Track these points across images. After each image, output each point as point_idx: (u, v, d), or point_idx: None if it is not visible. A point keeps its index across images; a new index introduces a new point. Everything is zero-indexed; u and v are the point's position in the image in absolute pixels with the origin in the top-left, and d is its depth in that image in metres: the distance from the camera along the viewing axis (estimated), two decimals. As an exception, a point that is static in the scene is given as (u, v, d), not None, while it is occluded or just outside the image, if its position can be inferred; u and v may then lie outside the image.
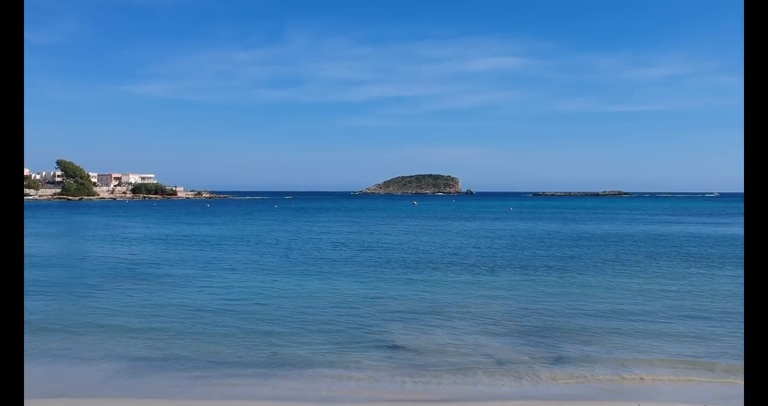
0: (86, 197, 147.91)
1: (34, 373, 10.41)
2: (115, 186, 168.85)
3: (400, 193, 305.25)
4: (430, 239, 39.64)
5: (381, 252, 31.68)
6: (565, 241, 38.27)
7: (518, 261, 27.49)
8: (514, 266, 25.53)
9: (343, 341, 13.13)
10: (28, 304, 16.08)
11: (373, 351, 12.24)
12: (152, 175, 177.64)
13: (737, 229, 48.96)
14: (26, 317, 14.45)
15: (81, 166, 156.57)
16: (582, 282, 21.29)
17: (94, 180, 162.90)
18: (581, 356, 11.91)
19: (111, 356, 11.96)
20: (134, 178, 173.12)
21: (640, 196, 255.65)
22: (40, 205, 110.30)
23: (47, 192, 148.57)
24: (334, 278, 22.59)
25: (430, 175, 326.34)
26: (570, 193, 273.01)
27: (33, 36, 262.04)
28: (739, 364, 10.60)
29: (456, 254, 30.33)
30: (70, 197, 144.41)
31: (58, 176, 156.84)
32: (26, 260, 24.57)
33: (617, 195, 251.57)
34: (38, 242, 37.27)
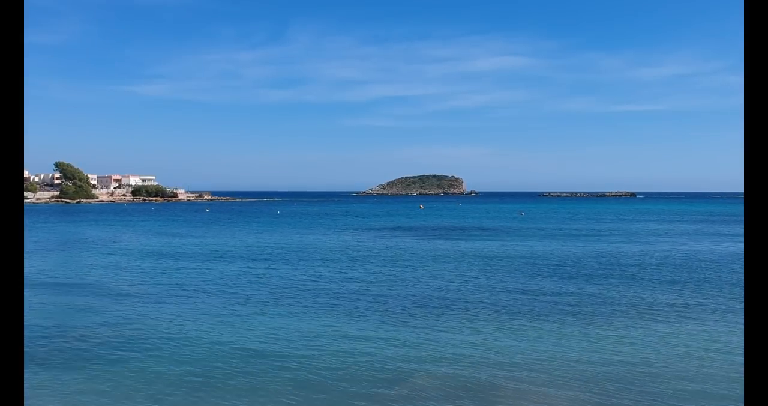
0: (84, 200, 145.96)
1: None
2: (115, 188, 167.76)
3: (403, 193, 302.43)
4: (450, 266, 34.68)
5: (395, 287, 26.91)
6: (607, 269, 33.97)
7: (565, 302, 23.02)
8: (563, 313, 21.23)
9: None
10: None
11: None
12: (153, 177, 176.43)
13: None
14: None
15: (80, 169, 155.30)
16: (657, 340, 16.94)
17: (93, 182, 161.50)
18: None
19: None
20: (135, 180, 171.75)
21: (647, 196, 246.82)
22: (36, 208, 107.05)
23: (45, 195, 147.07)
24: (336, 323, 18.28)
25: (434, 176, 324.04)
26: (576, 193, 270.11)
27: (35, 36, 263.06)
28: None
29: (486, 295, 25.58)
30: (68, 200, 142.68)
31: (57, 178, 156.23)
32: None
33: (625, 195, 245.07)
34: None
